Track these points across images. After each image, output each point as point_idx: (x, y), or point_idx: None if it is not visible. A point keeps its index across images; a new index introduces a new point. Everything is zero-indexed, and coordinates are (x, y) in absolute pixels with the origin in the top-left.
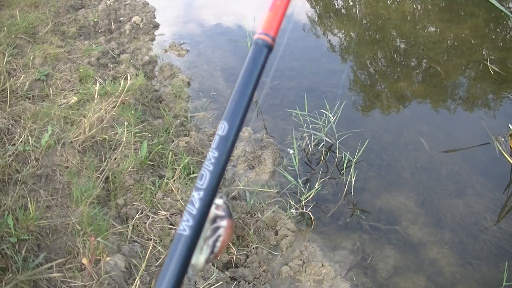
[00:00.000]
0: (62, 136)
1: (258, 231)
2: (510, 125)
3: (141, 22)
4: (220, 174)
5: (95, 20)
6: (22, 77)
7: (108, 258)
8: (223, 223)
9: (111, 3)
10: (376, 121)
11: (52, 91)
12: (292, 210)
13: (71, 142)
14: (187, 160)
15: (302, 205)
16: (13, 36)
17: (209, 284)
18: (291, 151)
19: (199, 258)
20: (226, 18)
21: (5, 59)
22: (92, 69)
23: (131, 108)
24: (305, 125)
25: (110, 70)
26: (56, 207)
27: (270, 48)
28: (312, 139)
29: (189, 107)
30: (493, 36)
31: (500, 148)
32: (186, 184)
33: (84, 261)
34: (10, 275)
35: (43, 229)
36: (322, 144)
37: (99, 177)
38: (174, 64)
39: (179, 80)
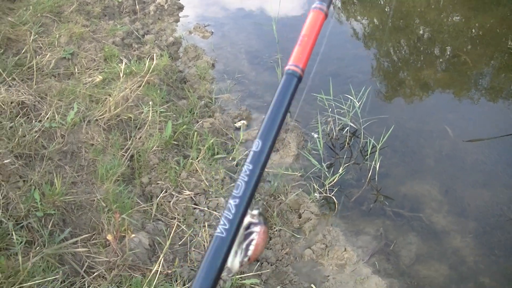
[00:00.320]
0: (87, 114)
1: (282, 213)
2: None
3: (165, 4)
4: (254, 185)
5: (120, 0)
6: (48, 55)
7: (133, 235)
8: (256, 228)
9: None
10: (401, 108)
11: (78, 70)
12: (315, 194)
13: (97, 120)
14: (212, 141)
15: (326, 189)
16: (39, 14)
17: None
18: (316, 135)
19: (234, 261)
20: (250, 1)
21: (31, 37)
22: (117, 48)
23: (156, 88)
24: (330, 109)
25: (135, 50)
26: (81, 184)
27: (299, 78)
28: (337, 124)
29: (213, 89)
30: None
31: None
32: (211, 164)
33: (109, 237)
34: (38, 248)
35: (69, 204)
36: (346, 129)
37: (124, 155)
38: (199, 46)
39: (204, 61)
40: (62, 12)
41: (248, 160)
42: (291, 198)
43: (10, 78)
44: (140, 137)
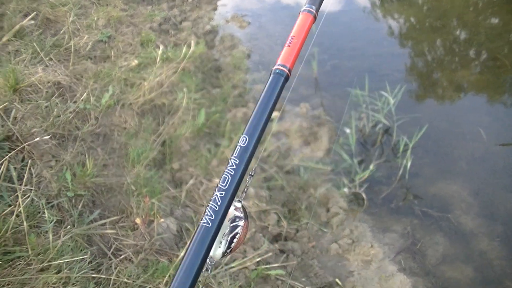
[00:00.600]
0: (121, 97)
1: (310, 207)
2: None
3: None
4: (239, 177)
5: None
6: (85, 37)
7: (161, 220)
8: (241, 222)
9: None
10: (434, 108)
11: (114, 53)
12: (345, 189)
13: (130, 104)
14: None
15: (356, 185)
16: None
17: (258, 254)
18: (348, 130)
19: (217, 250)
20: None
21: (70, 19)
22: (153, 34)
23: (191, 75)
24: (364, 105)
25: (172, 37)
26: (112, 166)
27: (286, 78)
28: (370, 120)
29: (247, 79)
30: None
31: None
32: None
33: (138, 220)
34: (68, 227)
35: (99, 186)
36: (379, 126)
37: (156, 140)
38: (235, 35)
39: (239, 51)
40: None
41: (235, 154)
42: (320, 192)
43: (47, 58)
44: (173, 123)
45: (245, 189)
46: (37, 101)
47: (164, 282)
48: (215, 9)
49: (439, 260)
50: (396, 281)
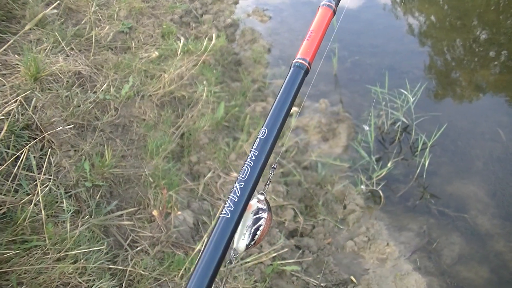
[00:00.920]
0: (141, 88)
1: (327, 203)
2: None
3: None
4: (259, 169)
5: None
6: (106, 28)
7: (179, 213)
8: (264, 215)
9: None
10: (454, 107)
11: (134, 44)
12: (362, 186)
13: (150, 95)
14: None
15: (373, 183)
16: None
17: (274, 249)
18: (367, 128)
19: (241, 243)
20: None
21: (92, 9)
22: (174, 26)
23: (211, 68)
24: (384, 103)
25: (192, 29)
26: (130, 158)
27: (306, 71)
28: (389, 118)
29: (267, 73)
30: None
31: None
32: None
33: (155, 213)
34: (86, 217)
35: (117, 177)
36: (398, 124)
37: (175, 132)
38: (256, 29)
39: (260, 45)
40: None
41: (254, 146)
42: (337, 188)
43: (68, 48)
44: (192, 115)
45: (268, 181)
46: (57, 91)
47: (179, 275)
48: (236, 2)
49: (455, 260)
50: (411, 280)
